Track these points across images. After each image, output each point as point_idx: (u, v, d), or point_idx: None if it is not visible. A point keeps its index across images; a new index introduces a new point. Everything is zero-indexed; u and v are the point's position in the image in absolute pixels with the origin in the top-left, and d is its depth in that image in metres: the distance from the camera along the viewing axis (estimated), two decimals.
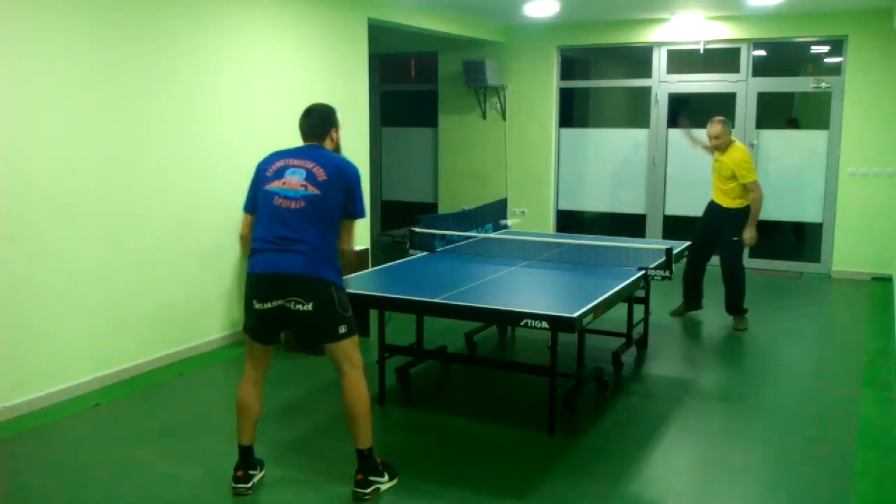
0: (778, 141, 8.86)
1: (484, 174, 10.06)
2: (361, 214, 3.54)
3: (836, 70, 8.46)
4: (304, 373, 5.28)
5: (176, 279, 5.45)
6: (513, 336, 6.14)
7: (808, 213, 8.71)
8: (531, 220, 9.57)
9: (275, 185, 3.44)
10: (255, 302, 3.47)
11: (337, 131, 3.65)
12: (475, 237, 5.90)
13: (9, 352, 4.42)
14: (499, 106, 9.92)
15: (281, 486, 3.68)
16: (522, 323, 3.85)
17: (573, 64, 10.10)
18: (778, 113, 9.48)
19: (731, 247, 6.31)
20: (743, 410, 4.71)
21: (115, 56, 4.91)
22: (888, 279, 8.02)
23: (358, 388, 3.51)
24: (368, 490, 3.50)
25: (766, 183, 8.74)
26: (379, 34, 8.11)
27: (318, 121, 3.62)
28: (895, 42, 7.92)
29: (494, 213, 6.54)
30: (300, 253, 3.36)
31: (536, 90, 9.70)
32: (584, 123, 10.28)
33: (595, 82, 10.59)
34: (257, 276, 3.46)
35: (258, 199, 3.52)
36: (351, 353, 3.51)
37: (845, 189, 8.35)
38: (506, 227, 6.47)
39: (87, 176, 4.78)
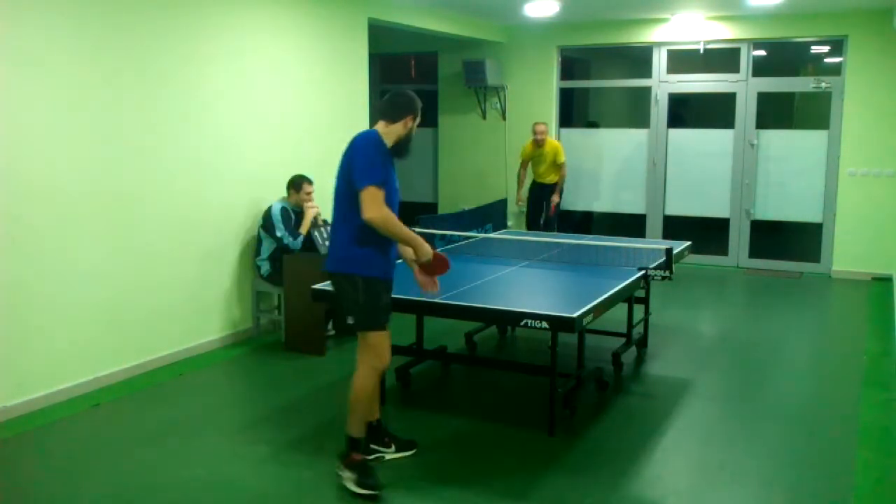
0: (778, 141, 8.86)
1: (484, 174, 10.07)
2: (359, 184, 3.41)
3: (836, 70, 8.45)
4: (304, 373, 5.28)
5: (176, 279, 5.45)
6: (513, 336, 6.14)
7: (808, 213, 8.71)
8: None
9: None
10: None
11: (414, 121, 3.67)
12: (475, 237, 5.90)
13: (9, 352, 4.42)
14: (499, 106, 9.92)
15: (281, 486, 3.68)
16: (522, 323, 3.86)
17: (573, 64, 10.10)
18: (777, 112, 9.48)
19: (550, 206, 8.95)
20: (743, 410, 4.71)
21: (115, 56, 4.91)
22: (888, 279, 8.02)
23: (358, 378, 3.64)
24: (338, 471, 3.64)
25: (766, 182, 8.82)
26: (379, 34, 8.11)
27: (398, 105, 3.66)
28: (895, 42, 7.92)
29: (494, 213, 6.54)
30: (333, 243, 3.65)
31: (536, 90, 9.71)
32: (584, 123, 10.28)
33: (595, 82, 10.59)
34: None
35: None
36: (362, 346, 3.63)
37: (845, 189, 8.35)
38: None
39: (87, 176, 4.78)
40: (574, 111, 10.29)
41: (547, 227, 8.81)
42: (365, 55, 7.31)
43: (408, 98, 3.67)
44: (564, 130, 9.82)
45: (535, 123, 8.79)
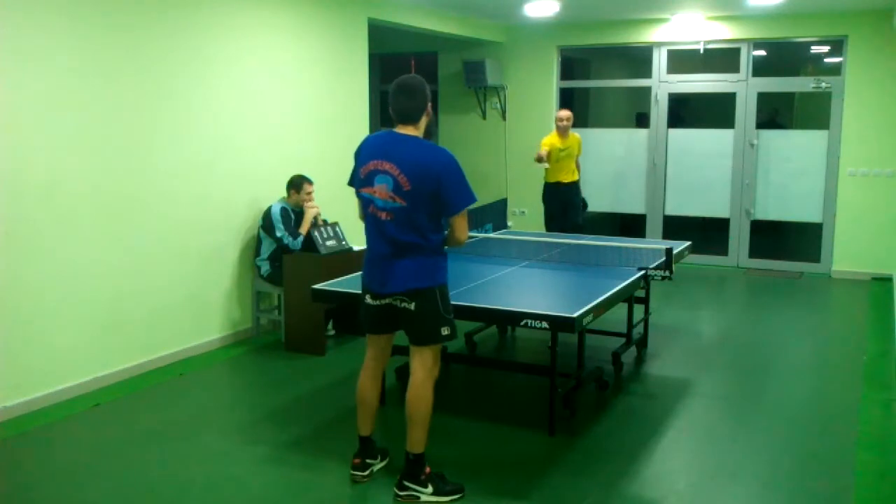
0: (778, 141, 8.86)
1: (484, 174, 10.06)
2: (460, 207, 3.37)
3: (836, 70, 8.46)
4: (304, 373, 5.28)
5: (176, 279, 5.45)
6: (513, 336, 6.14)
7: (808, 213, 8.71)
8: (531, 220, 9.57)
9: (366, 192, 3.42)
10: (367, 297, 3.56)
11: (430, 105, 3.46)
12: (475, 237, 5.90)
13: (9, 352, 4.42)
14: (499, 106, 9.92)
15: (281, 486, 3.68)
16: (522, 323, 3.86)
17: (573, 64, 10.10)
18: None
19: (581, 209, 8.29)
20: (743, 410, 4.71)
21: (115, 56, 4.91)
22: (888, 279, 8.02)
23: (424, 391, 3.48)
24: (402, 494, 3.49)
25: (766, 182, 8.82)
26: (379, 34, 8.11)
27: (416, 101, 3.38)
28: (895, 42, 7.92)
29: (494, 213, 6.54)
30: (403, 262, 3.39)
31: (536, 90, 9.71)
32: (584, 123, 10.28)
33: (595, 82, 10.60)
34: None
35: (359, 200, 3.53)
36: (427, 356, 3.49)
37: (845, 189, 8.35)
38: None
39: (87, 176, 4.78)
40: (574, 111, 10.28)
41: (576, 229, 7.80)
42: (365, 55, 7.32)
43: (421, 86, 3.42)
44: None
45: (559, 110, 8.08)
